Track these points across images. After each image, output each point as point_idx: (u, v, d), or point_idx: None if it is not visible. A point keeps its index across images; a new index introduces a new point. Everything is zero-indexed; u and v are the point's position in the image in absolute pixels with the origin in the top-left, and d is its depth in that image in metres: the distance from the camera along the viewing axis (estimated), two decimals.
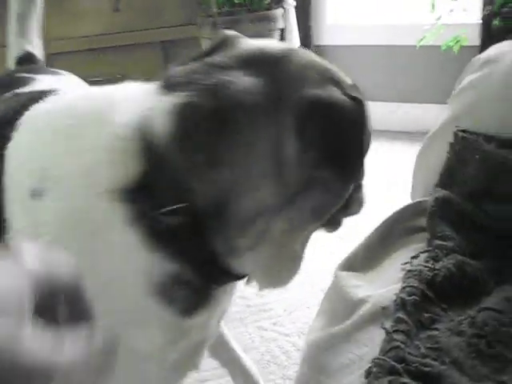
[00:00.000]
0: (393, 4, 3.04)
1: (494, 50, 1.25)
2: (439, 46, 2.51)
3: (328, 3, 3.10)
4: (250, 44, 0.71)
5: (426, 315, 0.82)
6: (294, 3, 2.76)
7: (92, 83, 2.73)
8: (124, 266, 0.63)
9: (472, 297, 0.87)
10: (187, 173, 0.62)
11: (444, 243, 0.95)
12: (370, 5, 3.04)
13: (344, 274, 1.05)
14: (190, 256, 0.63)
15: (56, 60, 2.62)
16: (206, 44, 2.29)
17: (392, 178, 2.46)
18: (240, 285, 0.80)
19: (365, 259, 1.07)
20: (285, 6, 2.64)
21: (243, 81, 0.63)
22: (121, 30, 2.59)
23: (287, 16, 2.67)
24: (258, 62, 0.66)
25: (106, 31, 2.59)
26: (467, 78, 1.22)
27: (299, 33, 2.83)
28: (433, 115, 2.90)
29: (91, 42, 2.60)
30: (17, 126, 0.70)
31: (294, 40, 2.81)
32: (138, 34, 2.59)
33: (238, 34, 0.74)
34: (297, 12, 2.83)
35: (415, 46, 2.50)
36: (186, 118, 0.62)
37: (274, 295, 1.82)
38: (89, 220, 0.63)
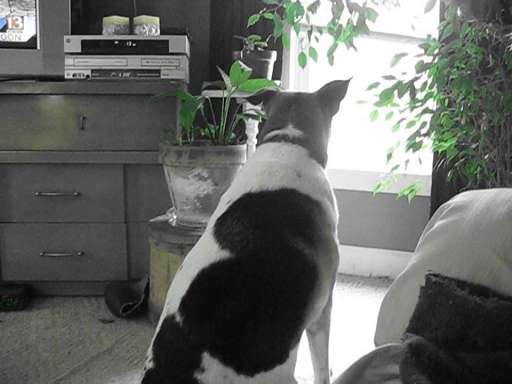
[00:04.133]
0: (353, 151, 3.19)
1: (461, 198, 1.28)
2: (394, 194, 2.59)
3: None
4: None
5: None
6: (256, 141, 2.85)
7: (47, 198, 2.70)
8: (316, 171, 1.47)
9: None
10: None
11: None
12: (331, 151, 3.16)
13: None
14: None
15: (11, 170, 2.59)
16: (168, 171, 2.29)
17: (354, 322, 2.45)
18: None
19: None
20: (248, 143, 2.71)
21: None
22: (84, 148, 2.59)
23: (250, 153, 2.74)
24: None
25: (69, 148, 2.58)
26: (437, 224, 1.23)
27: None
28: (387, 261, 2.99)
29: (52, 156, 2.58)
30: None
31: None
32: (100, 154, 2.58)
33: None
34: None
35: (372, 193, 2.58)
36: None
37: None
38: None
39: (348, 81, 1.63)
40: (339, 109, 1.66)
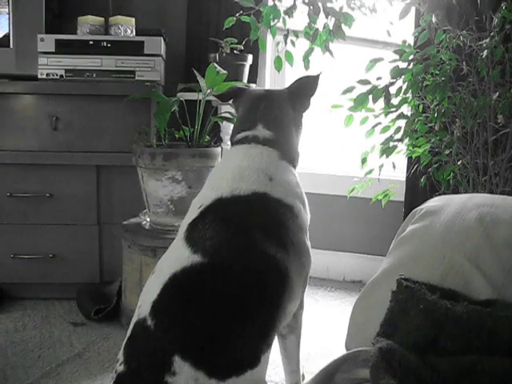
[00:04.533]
0: (328, 155, 3.21)
1: (433, 203, 1.29)
2: (368, 198, 2.60)
3: None
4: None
5: None
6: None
7: (18, 199, 2.66)
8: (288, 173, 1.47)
9: None
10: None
11: None
12: (306, 154, 3.17)
13: None
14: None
15: None
16: (142, 173, 2.27)
17: (327, 326, 2.46)
18: None
19: None
20: (222, 146, 2.70)
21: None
22: (57, 149, 2.56)
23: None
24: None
25: (41, 148, 2.55)
26: (409, 228, 1.23)
27: None
28: (361, 265, 3.00)
29: (24, 157, 2.55)
30: None
31: None
32: (73, 155, 2.56)
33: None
34: None
35: (346, 197, 2.58)
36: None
37: None
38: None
39: (318, 76, 1.61)
40: (310, 105, 1.63)
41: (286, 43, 2.29)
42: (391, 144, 2.25)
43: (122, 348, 1.21)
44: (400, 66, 2.11)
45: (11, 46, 2.66)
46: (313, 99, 1.63)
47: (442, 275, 1.11)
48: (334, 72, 2.76)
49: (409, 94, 2.20)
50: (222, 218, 1.32)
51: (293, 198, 1.42)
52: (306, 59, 2.28)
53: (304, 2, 2.14)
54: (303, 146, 1.64)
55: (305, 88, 1.61)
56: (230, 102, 1.72)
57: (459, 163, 2.20)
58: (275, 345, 1.35)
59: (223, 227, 1.28)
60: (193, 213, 1.37)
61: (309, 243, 1.45)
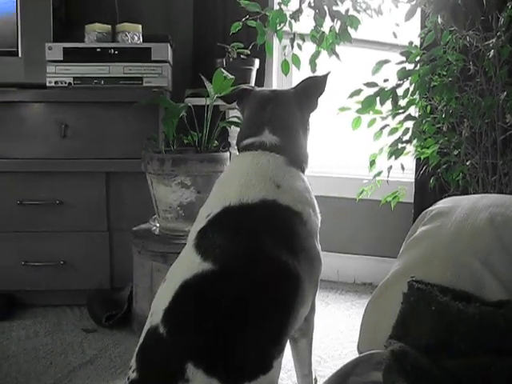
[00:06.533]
0: (336, 158, 3.21)
1: (443, 204, 1.29)
2: (377, 201, 2.60)
3: None
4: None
5: None
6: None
7: (29, 207, 2.67)
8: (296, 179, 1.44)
9: None
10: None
11: None
12: (315, 157, 3.17)
13: None
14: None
15: None
16: (151, 179, 2.28)
17: (338, 329, 2.46)
18: None
19: None
20: (231, 151, 2.71)
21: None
22: (66, 156, 2.58)
23: None
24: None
25: (51, 156, 2.57)
26: (420, 230, 1.23)
27: None
28: (371, 267, 3.00)
29: (34, 164, 2.57)
30: None
31: None
32: (82, 162, 2.58)
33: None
34: None
35: (356, 199, 2.58)
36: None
37: None
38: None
39: (326, 75, 1.59)
40: (317, 105, 1.61)
41: (292, 47, 2.29)
42: (399, 146, 2.24)
43: (134, 355, 1.21)
44: (407, 68, 2.10)
45: (19, 55, 2.67)
46: (320, 100, 1.61)
47: (453, 276, 1.11)
48: (341, 75, 2.75)
49: (416, 96, 2.20)
50: (231, 226, 1.31)
51: (302, 205, 1.40)
52: (312, 62, 2.28)
53: (310, 6, 2.15)
54: (312, 149, 1.62)
55: (312, 88, 1.59)
56: (235, 104, 1.70)
57: (468, 163, 2.19)
58: (287, 349, 1.36)
59: (233, 235, 1.28)
60: (201, 221, 1.37)
61: (319, 247, 1.44)
